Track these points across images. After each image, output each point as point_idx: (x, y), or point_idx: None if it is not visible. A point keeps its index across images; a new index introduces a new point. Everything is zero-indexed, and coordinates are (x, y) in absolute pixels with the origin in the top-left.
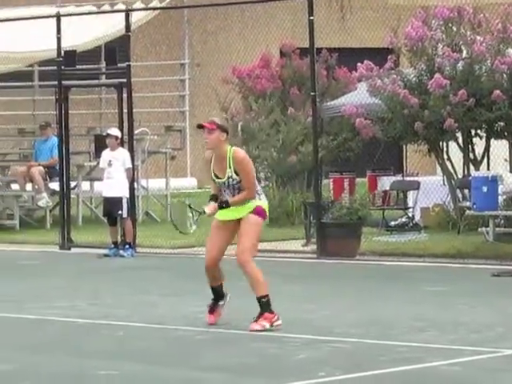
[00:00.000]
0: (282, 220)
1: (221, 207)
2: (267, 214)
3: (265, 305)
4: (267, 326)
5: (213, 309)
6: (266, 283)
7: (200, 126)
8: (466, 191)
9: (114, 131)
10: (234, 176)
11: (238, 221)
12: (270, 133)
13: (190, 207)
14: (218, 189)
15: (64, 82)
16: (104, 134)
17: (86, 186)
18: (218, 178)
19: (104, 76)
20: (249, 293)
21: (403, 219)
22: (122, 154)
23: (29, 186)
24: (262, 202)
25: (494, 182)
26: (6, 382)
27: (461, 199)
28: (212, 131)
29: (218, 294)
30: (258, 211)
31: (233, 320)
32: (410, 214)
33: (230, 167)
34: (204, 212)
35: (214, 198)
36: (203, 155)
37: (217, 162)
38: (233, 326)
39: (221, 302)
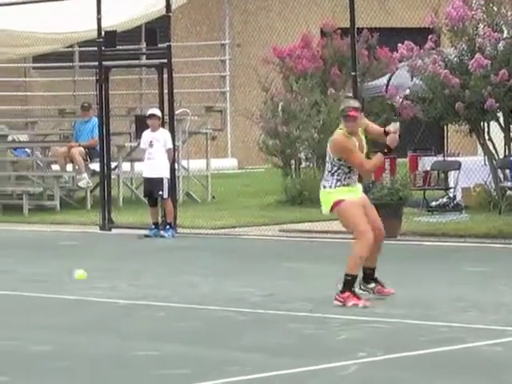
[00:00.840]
0: None
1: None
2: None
3: (347, 283)
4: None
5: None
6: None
7: (346, 116)
8: (508, 171)
9: (156, 111)
10: None
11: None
12: (311, 113)
13: None
14: None
15: (104, 63)
16: (146, 114)
17: (126, 166)
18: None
19: (144, 56)
20: (291, 275)
21: (444, 199)
22: (163, 134)
23: (69, 167)
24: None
25: None
26: (46, 362)
27: (502, 179)
28: (356, 119)
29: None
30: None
31: (273, 301)
32: (451, 195)
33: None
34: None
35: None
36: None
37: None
38: (272, 307)
39: (370, 285)
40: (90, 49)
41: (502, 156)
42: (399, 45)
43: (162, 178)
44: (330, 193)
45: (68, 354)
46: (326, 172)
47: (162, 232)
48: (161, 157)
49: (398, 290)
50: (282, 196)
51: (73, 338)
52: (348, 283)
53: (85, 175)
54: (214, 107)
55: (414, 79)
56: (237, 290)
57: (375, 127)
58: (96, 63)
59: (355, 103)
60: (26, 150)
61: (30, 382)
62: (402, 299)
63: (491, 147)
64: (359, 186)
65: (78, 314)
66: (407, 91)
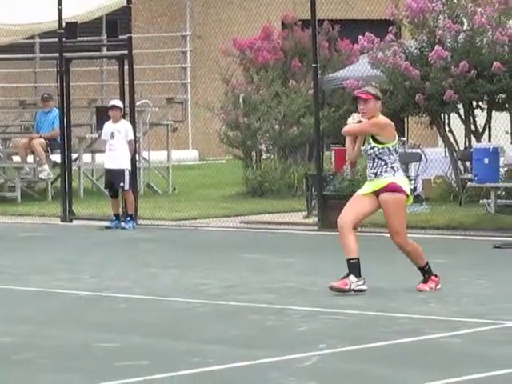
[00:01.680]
0: (283, 192)
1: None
2: (405, 187)
3: (427, 270)
4: (434, 288)
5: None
6: (421, 252)
7: (355, 98)
8: (468, 163)
9: (118, 103)
10: (372, 143)
11: (376, 195)
12: (272, 105)
13: None
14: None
15: (65, 54)
16: (108, 105)
17: (87, 158)
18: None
19: (105, 48)
20: (252, 266)
21: None
22: (125, 125)
23: (30, 158)
24: (397, 178)
25: (496, 154)
26: (7, 354)
27: (462, 171)
28: (368, 101)
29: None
30: (392, 188)
31: (233, 292)
32: (412, 186)
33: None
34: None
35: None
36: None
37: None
38: (233, 299)
39: (352, 278)
40: (50, 40)
41: (462, 148)
42: (360, 37)
43: (123, 170)
44: None
45: (29, 346)
46: None
47: (122, 223)
48: (122, 148)
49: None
50: (243, 188)
51: (35, 329)
52: (429, 269)
53: (46, 167)
54: (174, 99)
55: (374, 71)
56: (198, 282)
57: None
58: (57, 54)
59: (370, 89)
60: None
61: None
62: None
63: (451, 139)
64: (375, 180)
65: (40, 306)
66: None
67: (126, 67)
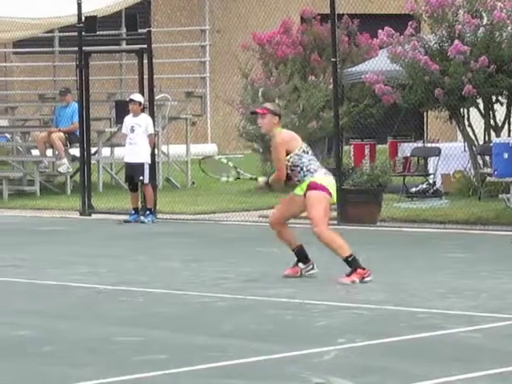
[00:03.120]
0: None
1: (267, 183)
2: (326, 186)
3: (353, 262)
4: (357, 281)
5: (294, 265)
6: (345, 244)
7: (253, 113)
8: (487, 158)
9: (138, 97)
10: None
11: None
12: (291, 99)
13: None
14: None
15: (84, 48)
16: (127, 99)
17: (106, 151)
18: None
19: (124, 42)
20: (271, 260)
21: (424, 186)
22: (145, 119)
23: (49, 152)
24: (316, 177)
25: None
26: (26, 347)
27: (482, 166)
28: (264, 115)
29: (299, 257)
30: (312, 186)
31: (252, 286)
32: (431, 181)
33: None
34: (256, 179)
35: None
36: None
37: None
38: (252, 293)
39: (300, 264)
40: (70, 34)
41: (481, 142)
42: (379, 31)
43: (142, 163)
44: None
45: (49, 339)
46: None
47: (141, 217)
48: (142, 142)
49: (377, 277)
50: None
51: (54, 323)
52: (354, 261)
53: (65, 160)
54: (194, 93)
55: (394, 65)
56: (216, 276)
57: None
58: (76, 48)
59: (268, 104)
60: (6, 135)
61: (11, 367)
62: (381, 285)
63: (471, 133)
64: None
65: (59, 300)
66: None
67: (145, 61)
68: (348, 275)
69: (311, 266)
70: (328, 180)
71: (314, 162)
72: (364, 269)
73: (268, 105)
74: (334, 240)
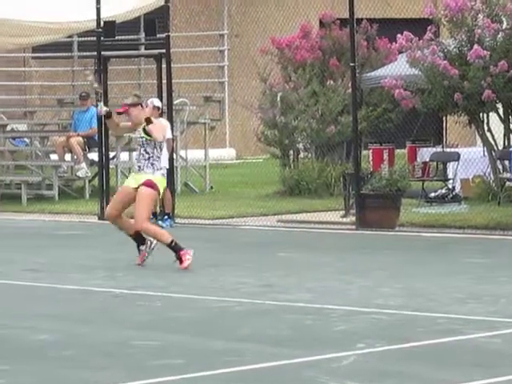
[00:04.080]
0: (321, 191)
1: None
2: (160, 188)
3: (176, 246)
4: (190, 259)
5: (139, 253)
6: (164, 232)
7: (120, 113)
8: (507, 162)
9: (156, 102)
10: (141, 132)
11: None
12: (309, 103)
13: None
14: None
15: (103, 53)
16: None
17: (124, 156)
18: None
19: (143, 47)
20: (289, 265)
21: (443, 190)
22: (163, 124)
23: (68, 157)
24: (156, 176)
25: None
26: (45, 351)
27: (501, 170)
28: (127, 112)
29: (138, 241)
30: (150, 184)
31: (270, 291)
32: (450, 186)
33: (144, 130)
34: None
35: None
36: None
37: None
38: (270, 298)
39: (141, 247)
40: (89, 39)
41: (501, 147)
42: (398, 35)
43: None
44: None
45: (68, 344)
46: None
47: (160, 222)
48: None
49: (396, 281)
50: (280, 186)
51: (73, 327)
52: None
53: (83, 165)
54: (212, 97)
55: (413, 69)
56: (235, 281)
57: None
58: (95, 53)
59: (127, 100)
60: (25, 139)
61: (30, 371)
62: (400, 290)
63: (490, 138)
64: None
65: (78, 304)
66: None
67: (164, 66)
68: (181, 260)
69: (149, 242)
70: (162, 179)
71: (160, 161)
72: (183, 249)
73: (127, 100)
74: (157, 232)
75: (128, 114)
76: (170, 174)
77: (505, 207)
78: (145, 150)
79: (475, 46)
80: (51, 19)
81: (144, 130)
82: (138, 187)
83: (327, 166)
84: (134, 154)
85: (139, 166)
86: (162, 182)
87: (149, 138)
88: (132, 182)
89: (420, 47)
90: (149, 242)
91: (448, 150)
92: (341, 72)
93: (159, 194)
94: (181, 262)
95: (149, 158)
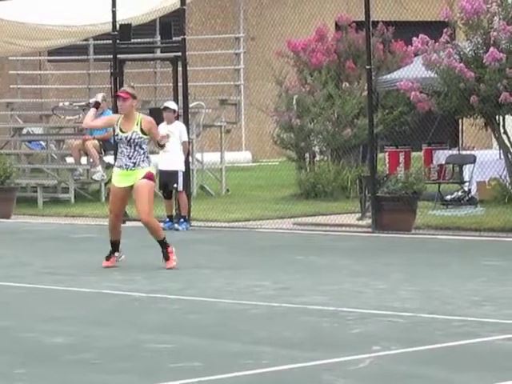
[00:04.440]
0: (337, 194)
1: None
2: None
3: (166, 242)
4: (175, 258)
5: (109, 257)
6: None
7: (116, 96)
8: None
9: (172, 104)
10: (139, 132)
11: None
12: (325, 106)
13: None
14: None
15: (119, 56)
16: (161, 107)
17: None
18: (122, 132)
19: (159, 50)
20: (305, 268)
21: (459, 193)
22: (179, 127)
23: (84, 160)
24: (151, 168)
25: None
26: (61, 354)
27: None
28: (126, 100)
29: (115, 248)
30: (149, 176)
31: (286, 294)
32: (466, 188)
33: (137, 125)
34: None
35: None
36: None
37: (125, 122)
38: (286, 300)
39: (116, 253)
40: (104, 42)
41: None
42: (414, 38)
43: (177, 171)
44: None
45: (83, 346)
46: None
47: (176, 225)
48: (176, 149)
49: (412, 284)
50: (296, 189)
51: (89, 330)
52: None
53: (99, 168)
54: (228, 100)
55: (429, 72)
56: (251, 283)
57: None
58: (111, 56)
59: (128, 88)
60: (41, 142)
61: (46, 374)
62: (416, 293)
63: (506, 141)
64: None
65: (93, 307)
66: None
67: (180, 69)
68: (167, 259)
69: (121, 254)
70: (154, 169)
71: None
72: (169, 246)
73: (128, 89)
74: (158, 226)
75: (124, 100)
76: (186, 176)
77: None
78: (140, 147)
79: (491, 49)
80: (67, 22)
81: (142, 131)
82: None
83: (343, 168)
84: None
85: (134, 163)
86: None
87: (145, 136)
88: (125, 181)
89: (436, 50)
90: (121, 254)
91: (464, 152)
92: (357, 75)
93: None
94: (167, 259)
95: (143, 153)
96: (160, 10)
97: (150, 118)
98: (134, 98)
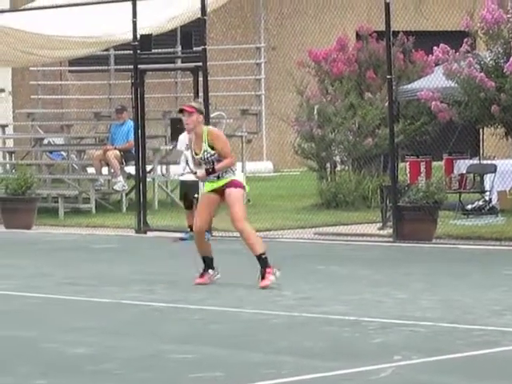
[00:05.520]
0: (358, 203)
1: (208, 173)
2: (244, 184)
3: (265, 260)
4: (273, 279)
5: (203, 274)
6: (260, 240)
7: (180, 110)
8: None
9: None
10: (209, 150)
11: (220, 193)
12: (347, 116)
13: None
14: (198, 163)
15: (140, 66)
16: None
17: (161, 169)
18: (196, 154)
19: (180, 60)
20: (326, 277)
21: (480, 203)
22: None
23: (105, 170)
24: (237, 176)
25: None
26: (82, 364)
27: None
28: (191, 114)
29: (208, 264)
30: (236, 184)
31: (307, 304)
32: (487, 198)
33: (205, 142)
34: (195, 172)
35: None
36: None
37: (195, 141)
38: (307, 310)
39: (210, 271)
40: (125, 52)
41: None
42: (435, 48)
43: (197, 181)
44: None
45: (105, 357)
46: None
47: None
48: None
49: (433, 293)
50: (318, 199)
51: (110, 340)
52: (266, 260)
53: (120, 178)
54: (249, 110)
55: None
56: (272, 293)
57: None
58: (131, 66)
59: (193, 103)
60: (62, 153)
61: None
62: (437, 302)
63: None
64: (219, 181)
65: (114, 317)
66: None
67: (201, 79)
68: (263, 277)
69: (217, 273)
70: (242, 175)
71: None
72: (270, 266)
73: (194, 103)
74: (255, 235)
75: (189, 115)
76: None
77: None
78: (218, 161)
79: (511, 58)
80: (87, 33)
81: (210, 146)
82: (222, 191)
83: (364, 178)
84: (172, 167)
85: (217, 177)
86: (243, 180)
87: (214, 152)
88: (211, 189)
89: (456, 59)
90: (216, 273)
91: (485, 162)
92: (377, 84)
93: (245, 190)
94: (263, 278)
95: None
96: (181, 19)
97: (216, 131)
98: (201, 113)
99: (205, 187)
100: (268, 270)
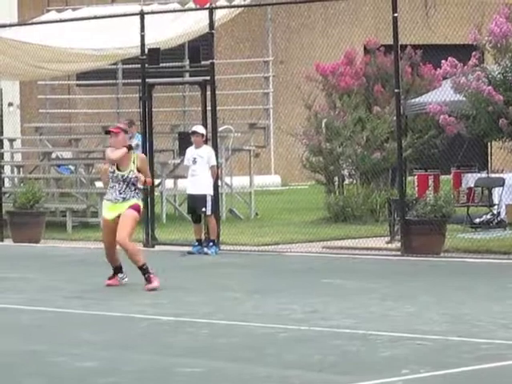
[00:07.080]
0: (366, 217)
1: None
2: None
3: (147, 269)
4: (158, 283)
5: (112, 277)
6: (139, 252)
7: (107, 132)
8: None
9: (200, 129)
10: (135, 172)
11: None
12: (355, 130)
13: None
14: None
15: (148, 80)
16: (189, 131)
17: (169, 183)
18: (118, 169)
19: (188, 74)
20: (334, 291)
21: (488, 216)
22: (207, 151)
23: None
24: (140, 200)
25: None
26: (91, 378)
27: None
28: (118, 134)
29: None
30: (136, 207)
31: (316, 317)
32: (495, 211)
33: (133, 163)
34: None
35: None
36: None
37: (123, 159)
38: (315, 324)
39: (120, 275)
40: (133, 66)
41: None
42: (443, 61)
43: (205, 195)
44: None
45: (112, 370)
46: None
47: (205, 249)
48: (204, 174)
49: (440, 307)
50: (326, 213)
51: (117, 354)
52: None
53: None
54: (257, 124)
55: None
56: (280, 307)
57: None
58: (139, 80)
59: (120, 124)
60: (70, 167)
61: None
62: (445, 316)
63: None
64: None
65: (122, 331)
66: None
67: (209, 93)
68: (149, 282)
69: (125, 276)
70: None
71: None
72: (152, 273)
73: (121, 124)
74: (137, 250)
75: (116, 136)
76: (215, 200)
77: None
78: (133, 184)
79: None
80: (95, 46)
81: (138, 170)
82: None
83: (372, 192)
84: (180, 181)
85: (123, 198)
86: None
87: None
88: (114, 211)
89: (464, 73)
90: (125, 276)
91: (493, 175)
92: (385, 98)
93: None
94: (149, 281)
95: (135, 189)
96: (189, 33)
97: (143, 156)
98: (126, 132)
99: (108, 208)
100: (152, 276)
